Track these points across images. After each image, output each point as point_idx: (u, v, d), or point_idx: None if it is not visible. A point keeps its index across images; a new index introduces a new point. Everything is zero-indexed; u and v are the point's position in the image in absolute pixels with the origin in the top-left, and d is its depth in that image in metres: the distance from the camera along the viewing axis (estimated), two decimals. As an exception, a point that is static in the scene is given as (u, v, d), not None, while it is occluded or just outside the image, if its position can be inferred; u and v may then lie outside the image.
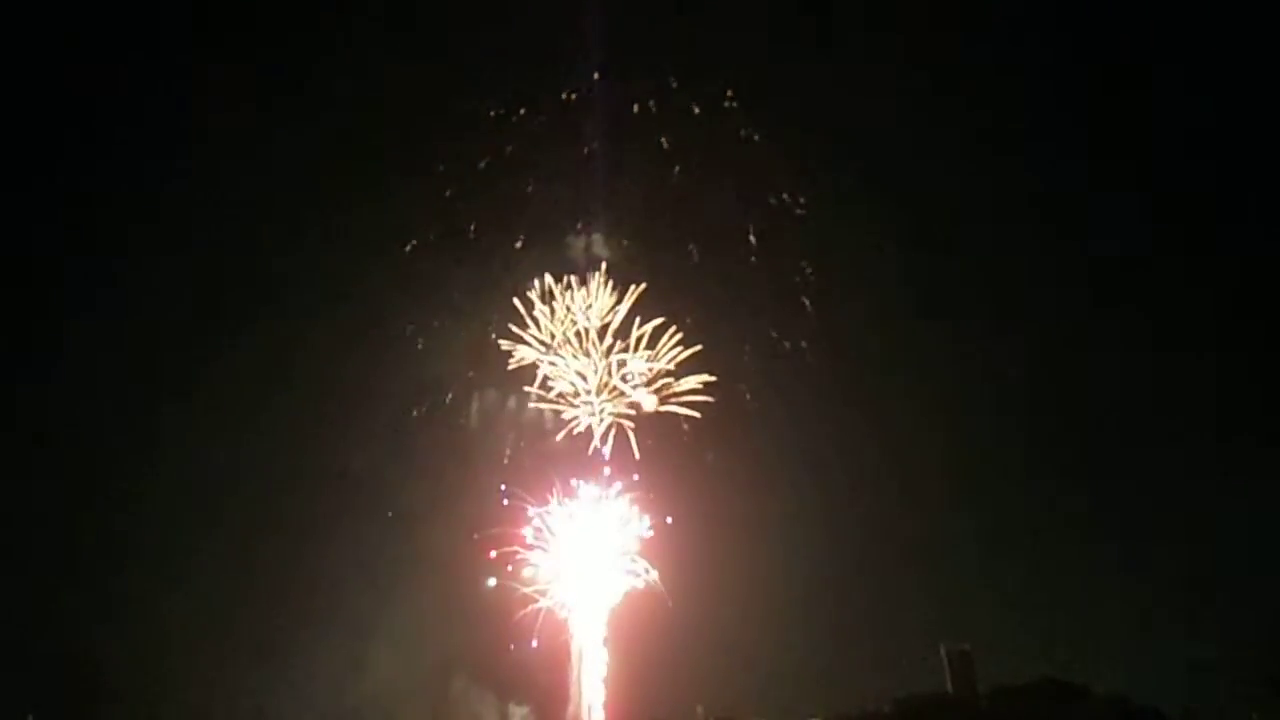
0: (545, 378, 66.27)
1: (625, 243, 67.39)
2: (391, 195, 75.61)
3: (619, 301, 66.74)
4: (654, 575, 65.63)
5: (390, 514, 67.30)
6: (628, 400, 65.88)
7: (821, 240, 77.01)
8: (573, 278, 67.25)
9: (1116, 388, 78.14)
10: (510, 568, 64.57)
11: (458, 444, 65.43)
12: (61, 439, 75.53)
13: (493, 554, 64.48)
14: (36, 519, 72.51)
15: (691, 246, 68.31)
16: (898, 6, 78.13)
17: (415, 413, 66.70)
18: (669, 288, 66.89)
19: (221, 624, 70.91)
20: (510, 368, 66.33)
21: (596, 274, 66.99)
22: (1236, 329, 76.35)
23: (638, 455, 65.69)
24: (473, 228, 68.60)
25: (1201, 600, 68.86)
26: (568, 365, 66.13)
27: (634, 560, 65.83)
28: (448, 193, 71.41)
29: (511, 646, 63.70)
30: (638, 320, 66.39)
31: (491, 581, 63.83)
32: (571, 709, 64.68)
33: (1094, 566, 72.80)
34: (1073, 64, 79.84)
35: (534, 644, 63.84)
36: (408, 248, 69.57)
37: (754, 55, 73.80)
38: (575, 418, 65.84)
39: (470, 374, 66.18)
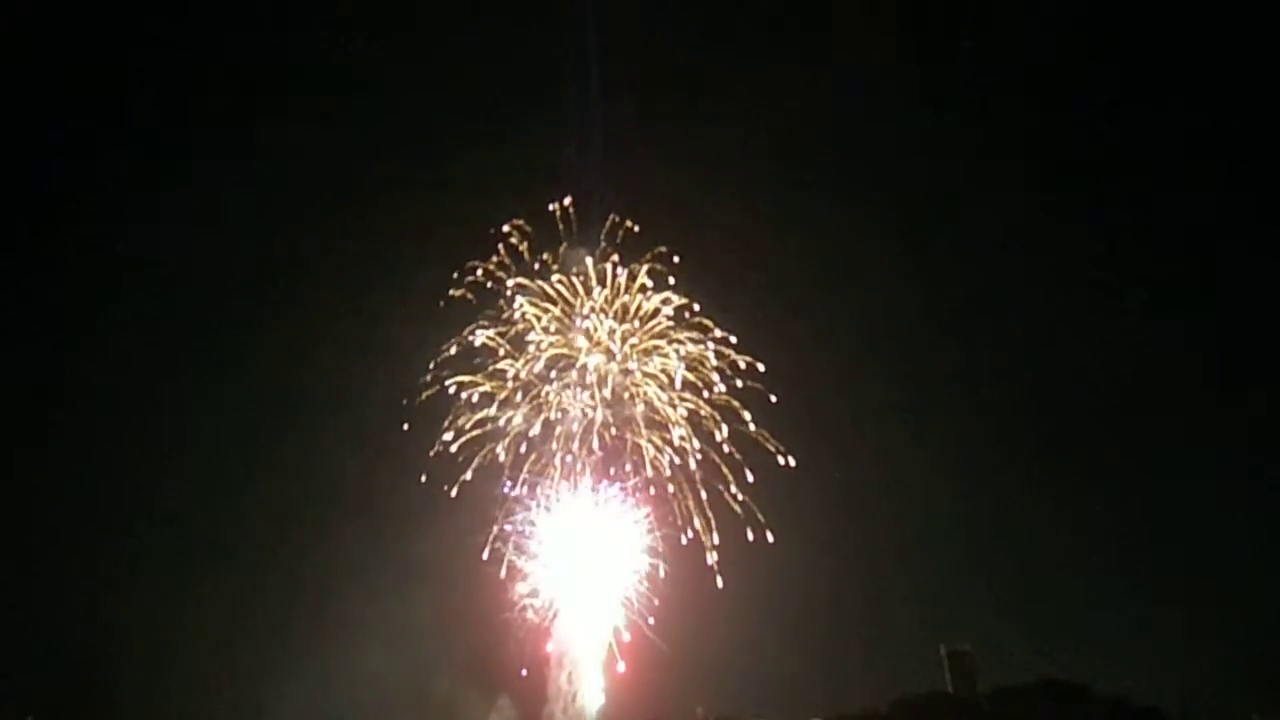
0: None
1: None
2: (392, 209, 76.33)
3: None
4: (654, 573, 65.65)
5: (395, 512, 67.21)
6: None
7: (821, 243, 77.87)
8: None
9: (1117, 390, 78.42)
10: (504, 571, 65.00)
11: (453, 448, 65.60)
12: (63, 441, 75.81)
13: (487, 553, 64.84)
14: (38, 521, 72.70)
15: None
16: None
17: (412, 416, 66.71)
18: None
19: (221, 625, 71.23)
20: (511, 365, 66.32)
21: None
22: (1236, 331, 76.67)
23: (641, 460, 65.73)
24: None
25: (1201, 600, 69.03)
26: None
27: (634, 558, 65.83)
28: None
29: (524, 672, 63.89)
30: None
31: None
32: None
33: (1094, 567, 73.07)
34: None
35: (522, 643, 64.25)
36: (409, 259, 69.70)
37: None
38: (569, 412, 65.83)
39: (470, 379, 66.12)
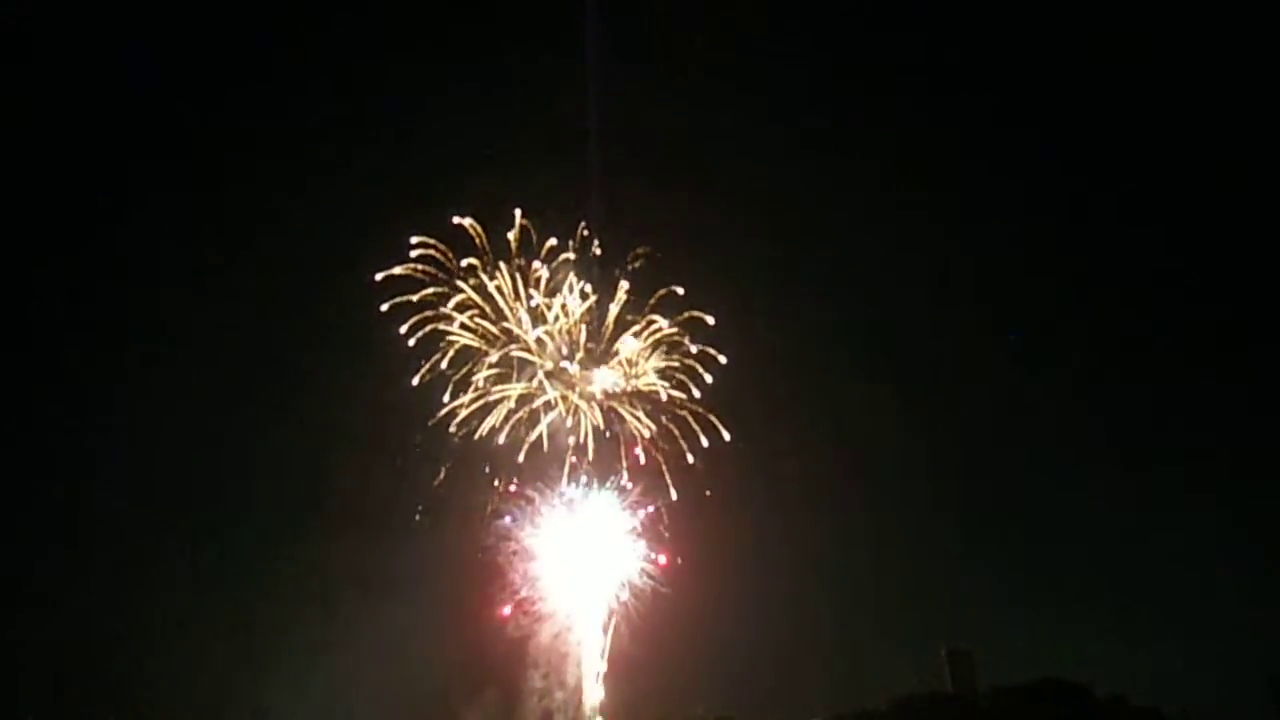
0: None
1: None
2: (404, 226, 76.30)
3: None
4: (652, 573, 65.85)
5: (418, 512, 67.31)
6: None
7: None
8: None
9: (1116, 389, 78.44)
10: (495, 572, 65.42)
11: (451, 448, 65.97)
12: (62, 440, 75.87)
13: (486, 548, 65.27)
14: (38, 521, 72.86)
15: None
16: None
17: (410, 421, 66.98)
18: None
19: (223, 625, 71.43)
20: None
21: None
22: (1233, 336, 76.62)
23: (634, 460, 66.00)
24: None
25: (1201, 600, 69.09)
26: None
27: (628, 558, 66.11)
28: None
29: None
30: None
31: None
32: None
33: (1094, 567, 73.18)
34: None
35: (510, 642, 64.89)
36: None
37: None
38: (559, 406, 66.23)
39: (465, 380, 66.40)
